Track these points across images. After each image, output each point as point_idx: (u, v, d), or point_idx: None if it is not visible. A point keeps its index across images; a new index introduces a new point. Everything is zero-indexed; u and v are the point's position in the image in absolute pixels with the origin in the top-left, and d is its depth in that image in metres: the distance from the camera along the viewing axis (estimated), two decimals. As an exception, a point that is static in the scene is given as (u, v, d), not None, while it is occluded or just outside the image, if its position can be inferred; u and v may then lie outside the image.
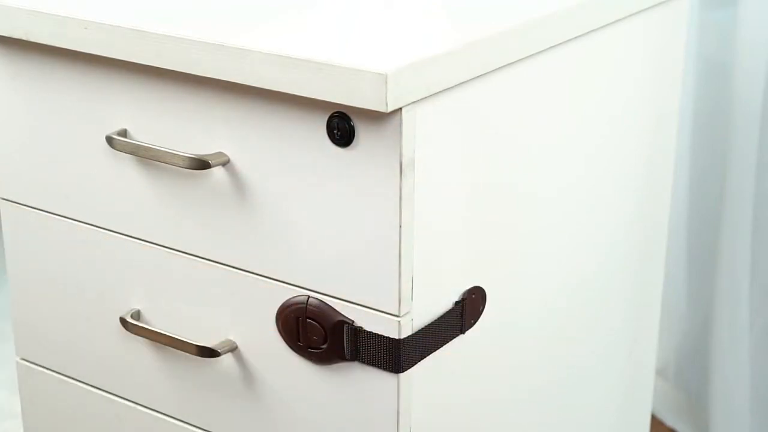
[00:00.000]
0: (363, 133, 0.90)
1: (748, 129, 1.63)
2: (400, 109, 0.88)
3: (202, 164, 0.97)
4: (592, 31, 1.09)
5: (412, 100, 0.88)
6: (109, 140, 1.03)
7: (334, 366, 0.98)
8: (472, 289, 1.01)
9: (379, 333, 0.94)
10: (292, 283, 0.99)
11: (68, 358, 1.18)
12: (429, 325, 0.97)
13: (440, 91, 0.91)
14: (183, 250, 1.05)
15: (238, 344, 1.04)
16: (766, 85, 1.61)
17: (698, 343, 1.83)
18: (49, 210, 1.13)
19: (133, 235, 1.08)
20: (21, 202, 1.14)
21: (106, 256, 1.10)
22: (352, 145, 0.91)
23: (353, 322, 0.96)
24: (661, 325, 1.50)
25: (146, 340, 1.09)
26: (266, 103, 0.94)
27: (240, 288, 1.02)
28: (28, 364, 1.22)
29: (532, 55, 1.01)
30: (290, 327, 0.99)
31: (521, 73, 1.01)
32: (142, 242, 1.07)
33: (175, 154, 0.99)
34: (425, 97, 0.90)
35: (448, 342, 0.99)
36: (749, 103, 1.62)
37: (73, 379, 1.18)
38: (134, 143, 1.02)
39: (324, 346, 0.97)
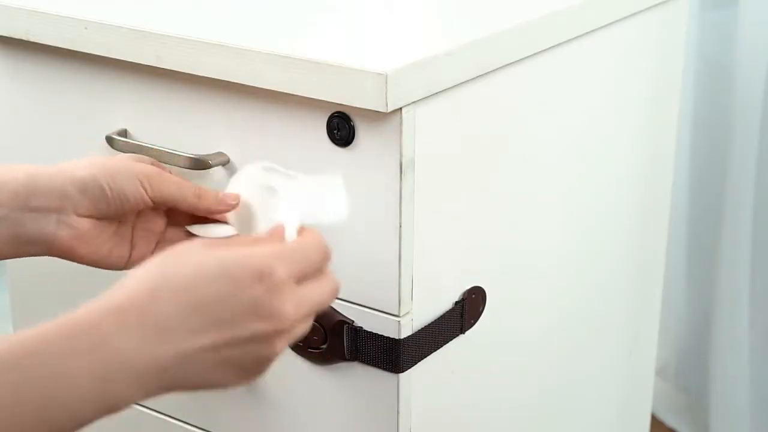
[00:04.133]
0: (363, 133, 0.90)
1: (748, 129, 1.63)
2: (400, 109, 0.88)
3: (202, 164, 0.97)
4: (592, 31, 1.09)
5: (412, 100, 0.88)
6: (109, 140, 1.03)
7: (334, 366, 0.98)
8: (472, 289, 1.01)
9: (379, 333, 0.94)
10: (292, 283, 0.98)
11: (68, 358, 1.17)
12: (429, 325, 0.97)
13: (440, 91, 0.91)
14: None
15: (238, 344, 1.04)
16: (766, 85, 1.61)
17: (698, 343, 1.83)
18: (49, 210, 1.12)
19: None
20: (21, 202, 1.14)
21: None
22: (352, 145, 0.91)
23: (353, 322, 0.96)
24: (661, 325, 1.50)
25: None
26: (266, 103, 0.94)
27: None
28: (28, 364, 1.21)
29: (532, 55, 1.01)
30: (290, 327, 0.99)
31: (521, 73, 1.01)
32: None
33: (175, 154, 0.99)
34: (425, 97, 0.90)
35: (448, 342, 0.99)
36: (749, 103, 1.62)
37: (73, 379, 1.18)
38: (134, 143, 1.02)
39: (324, 346, 0.97)
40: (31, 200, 0.84)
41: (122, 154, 0.90)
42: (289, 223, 0.79)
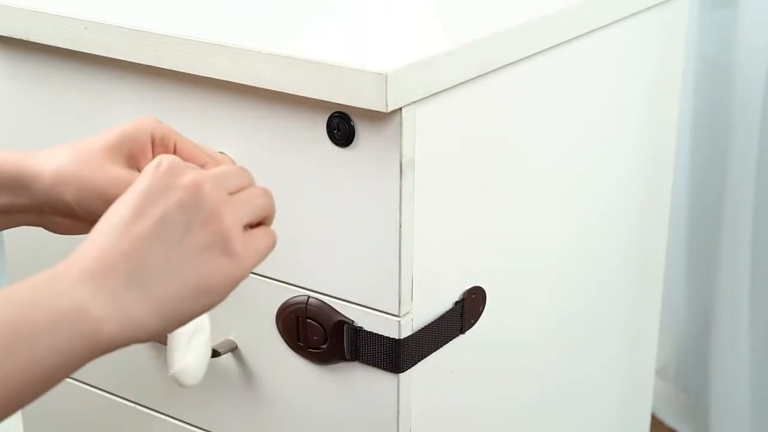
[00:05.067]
0: (363, 133, 0.90)
1: (748, 129, 1.63)
2: (400, 109, 0.88)
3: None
4: (592, 31, 1.09)
5: (412, 100, 0.88)
6: (109, 140, 1.03)
7: (334, 366, 0.98)
8: (472, 289, 1.01)
9: (379, 333, 0.94)
10: (292, 283, 0.99)
11: (68, 358, 1.17)
12: (429, 325, 0.97)
13: (440, 91, 0.91)
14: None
15: (238, 344, 1.04)
16: (766, 85, 1.61)
17: (698, 343, 1.83)
18: (49, 210, 1.13)
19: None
20: (21, 202, 1.14)
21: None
22: (352, 145, 0.91)
23: (353, 322, 0.96)
24: (661, 325, 1.50)
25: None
26: (266, 103, 0.94)
27: (240, 288, 1.02)
28: (28, 364, 1.21)
29: (532, 55, 1.01)
30: (290, 327, 0.99)
31: (521, 73, 1.01)
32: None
33: (175, 154, 0.99)
34: (425, 97, 0.90)
35: (448, 342, 0.99)
36: (749, 103, 1.62)
37: (73, 378, 1.18)
38: (134, 143, 1.02)
39: (324, 346, 0.97)
40: (14, 205, 0.84)
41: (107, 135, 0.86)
42: None
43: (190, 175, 0.72)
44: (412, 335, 0.95)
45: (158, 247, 0.70)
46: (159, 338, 0.77)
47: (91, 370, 1.18)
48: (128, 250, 0.70)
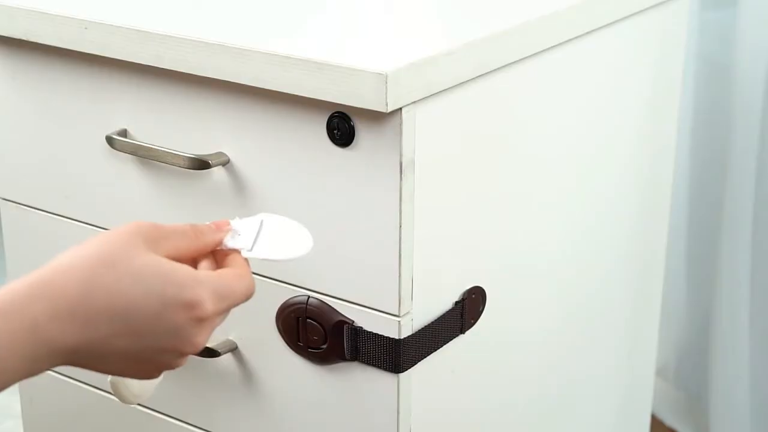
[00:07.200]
0: (363, 133, 0.90)
1: (748, 129, 1.63)
2: (400, 109, 0.88)
3: (202, 164, 0.97)
4: (592, 31, 1.09)
5: (412, 100, 0.88)
6: (109, 140, 1.03)
7: (334, 366, 0.98)
8: (472, 289, 1.01)
9: (379, 333, 0.94)
10: (292, 283, 0.99)
11: (68, 358, 1.17)
12: (429, 325, 0.97)
13: (440, 91, 0.91)
14: (183, 250, 1.04)
15: (238, 344, 1.04)
16: (766, 85, 1.61)
17: (698, 343, 1.83)
18: (49, 210, 1.13)
19: (133, 235, 1.07)
20: (21, 202, 1.15)
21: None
22: (352, 145, 0.91)
23: (353, 322, 0.96)
24: (661, 325, 1.50)
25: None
26: (266, 103, 0.94)
27: (240, 288, 1.02)
28: (28, 364, 1.21)
29: (532, 55, 1.01)
30: (290, 327, 0.99)
31: (521, 73, 1.01)
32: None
33: (175, 154, 0.99)
34: (425, 97, 0.90)
35: (448, 342, 1.00)
36: (749, 103, 1.62)
37: (73, 379, 1.18)
38: (134, 143, 1.02)
39: (324, 346, 0.97)
40: None
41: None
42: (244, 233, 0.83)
43: (204, 335, 0.76)
44: (412, 335, 0.95)
45: (119, 357, 0.75)
46: None
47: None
48: (101, 351, 0.74)
